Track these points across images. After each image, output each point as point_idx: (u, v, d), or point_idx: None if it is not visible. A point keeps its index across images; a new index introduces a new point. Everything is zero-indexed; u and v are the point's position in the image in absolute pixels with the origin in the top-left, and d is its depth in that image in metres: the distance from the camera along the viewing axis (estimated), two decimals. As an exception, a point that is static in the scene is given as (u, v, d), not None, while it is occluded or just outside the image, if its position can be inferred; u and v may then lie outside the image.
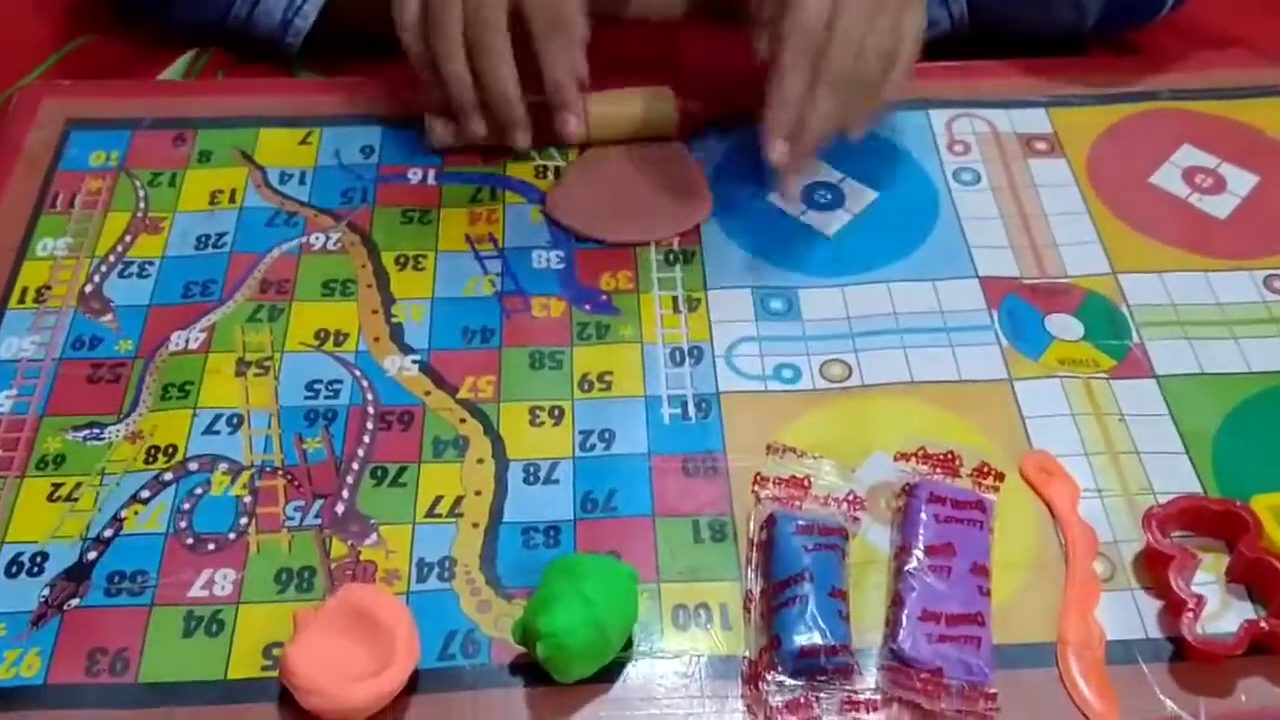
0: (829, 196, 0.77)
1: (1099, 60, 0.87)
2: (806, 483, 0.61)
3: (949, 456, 0.62)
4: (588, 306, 0.71)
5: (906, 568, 0.57)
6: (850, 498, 0.61)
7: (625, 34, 0.88)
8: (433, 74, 0.73)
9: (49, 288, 0.71)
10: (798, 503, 0.61)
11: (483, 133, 0.74)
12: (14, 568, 0.60)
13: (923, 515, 0.59)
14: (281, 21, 0.86)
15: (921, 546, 0.58)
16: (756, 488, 0.61)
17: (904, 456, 0.62)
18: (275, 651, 0.57)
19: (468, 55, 0.71)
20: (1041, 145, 0.80)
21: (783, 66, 0.67)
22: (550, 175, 0.78)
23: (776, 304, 0.72)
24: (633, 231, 0.75)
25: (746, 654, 0.56)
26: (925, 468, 0.62)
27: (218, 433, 0.65)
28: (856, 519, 0.61)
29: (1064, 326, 0.70)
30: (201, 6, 0.85)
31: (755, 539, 0.60)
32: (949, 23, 0.87)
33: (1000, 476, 0.62)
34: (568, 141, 0.77)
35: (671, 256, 0.74)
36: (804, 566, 0.57)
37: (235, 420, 0.65)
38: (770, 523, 0.59)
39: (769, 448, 0.63)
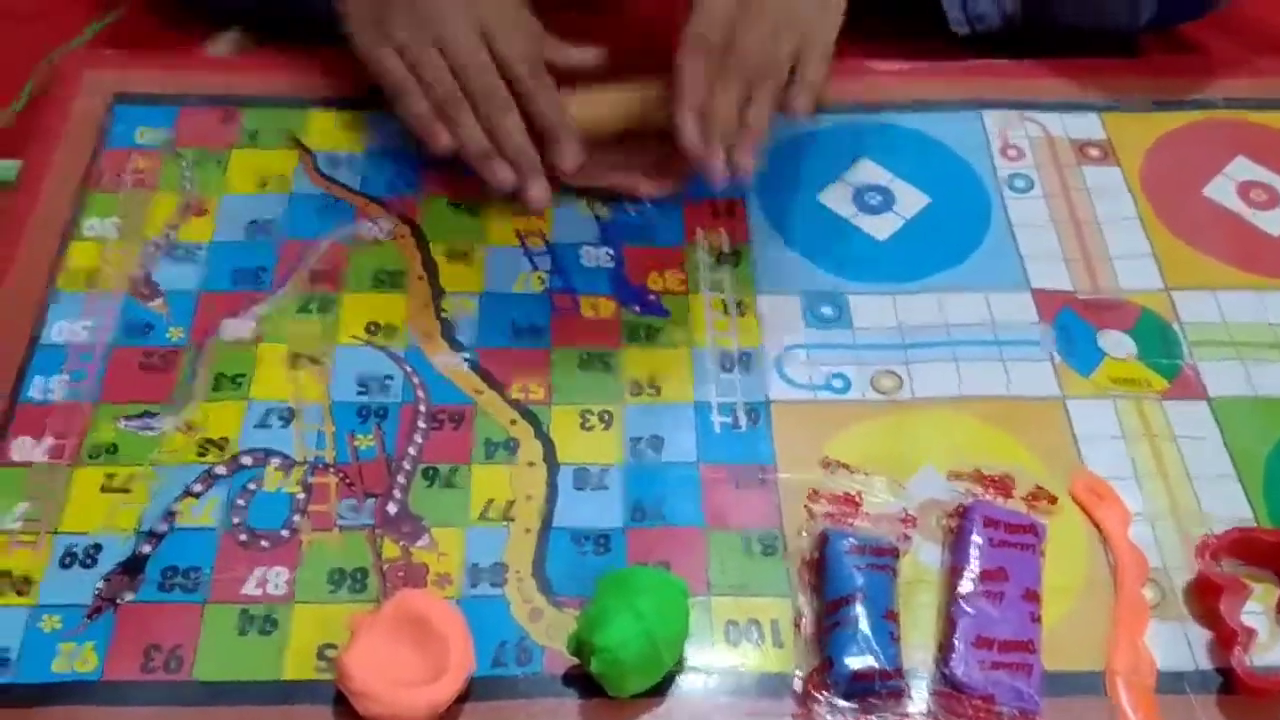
0: (879, 199, 0.77)
1: (1153, 63, 0.86)
2: (858, 499, 0.61)
3: (1003, 479, 0.62)
4: (637, 308, 0.71)
5: (959, 591, 0.58)
6: (902, 515, 0.61)
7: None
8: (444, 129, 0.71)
9: (98, 270, 0.71)
10: (850, 520, 0.61)
11: (512, 179, 0.70)
12: (68, 559, 0.60)
13: (976, 539, 0.59)
14: None
15: (974, 571, 0.58)
16: (809, 503, 0.61)
17: (957, 476, 0.62)
18: (329, 653, 0.57)
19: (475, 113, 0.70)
20: (1095, 152, 0.80)
21: (680, 62, 0.67)
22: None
23: (827, 310, 0.71)
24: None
25: (798, 673, 0.57)
26: (979, 488, 0.62)
27: (269, 426, 0.65)
28: (908, 537, 0.61)
29: (1117, 344, 0.70)
30: None
31: (807, 556, 0.60)
32: (1000, 18, 0.85)
33: (1053, 500, 0.62)
34: (567, 172, 0.72)
35: (721, 256, 0.74)
36: (857, 587, 0.57)
37: (287, 414, 0.65)
38: (823, 541, 0.59)
39: (822, 463, 0.63)
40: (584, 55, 0.75)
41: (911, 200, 0.77)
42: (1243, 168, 0.79)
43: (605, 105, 0.73)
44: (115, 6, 0.88)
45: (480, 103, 0.70)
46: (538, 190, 0.70)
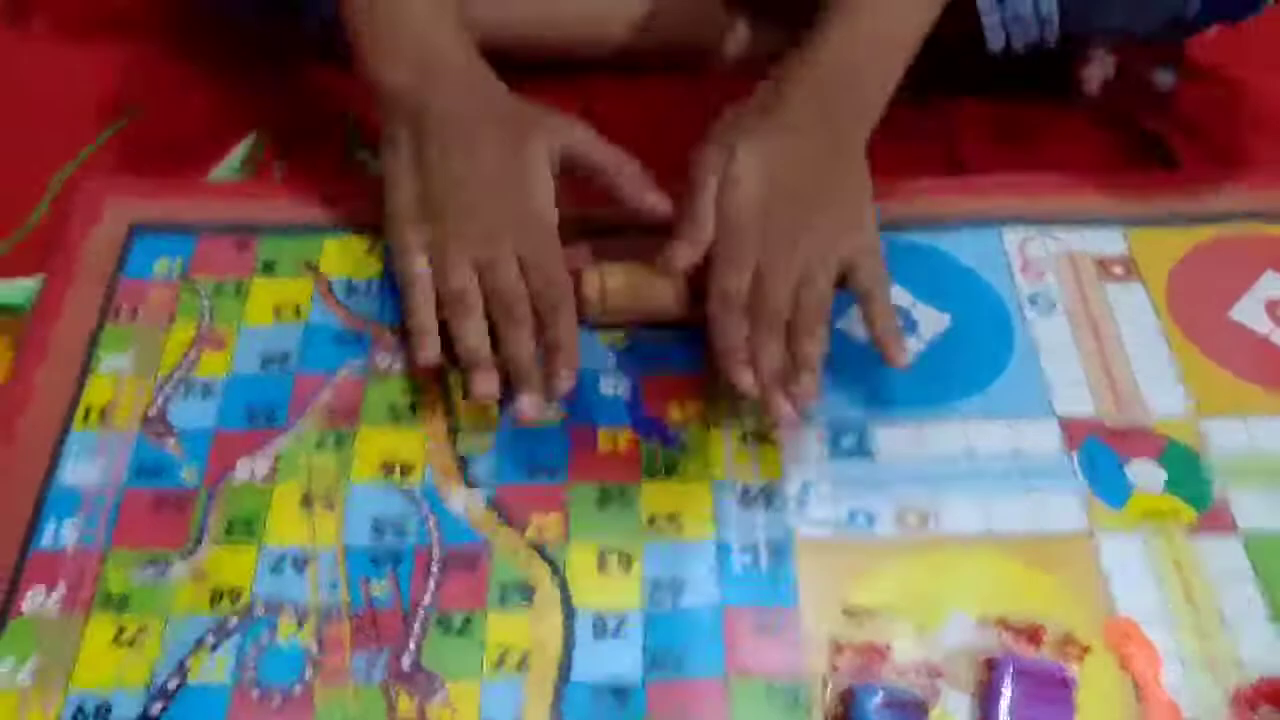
0: (900, 322, 0.76)
1: (1175, 177, 0.85)
2: (885, 650, 0.60)
3: (1033, 627, 0.61)
4: (656, 439, 0.70)
5: (990, 752, 0.56)
6: (930, 666, 0.60)
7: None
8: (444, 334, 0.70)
9: (113, 408, 0.71)
10: (876, 671, 0.59)
11: (495, 393, 0.69)
12: (79, 718, 0.59)
13: (1007, 692, 0.58)
14: None
15: (1005, 728, 0.57)
16: (833, 654, 0.60)
17: (988, 625, 0.61)
18: (343, 821, 0.56)
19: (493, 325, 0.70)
20: (1118, 270, 0.79)
21: (711, 317, 0.69)
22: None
23: (848, 441, 0.70)
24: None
25: (824, 840, 0.55)
26: (1009, 637, 0.60)
27: (282, 573, 0.64)
28: (936, 690, 0.59)
29: (1146, 475, 0.68)
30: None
31: (831, 713, 0.59)
32: (1036, 23, 0.82)
33: (1085, 649, 0.60)
34: (556, 396, 0.69)
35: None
36: (884, 748, 0.56)
37: (301, 560, 0.65)
38: (848, 697, 0.58)
39: (847, 611, 0.61)
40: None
41: (932, 322, 0.76)
42: (1271, 284, 0.78)
43: (633, 290, 0.74)
44: (124, 114, 0.89)
45: (499, 311, 0.69)
46: (529, 402, 0.68)
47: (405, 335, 0.72)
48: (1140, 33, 0.83)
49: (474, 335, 0.69)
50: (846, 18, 0.72)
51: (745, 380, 0.67)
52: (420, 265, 0.71)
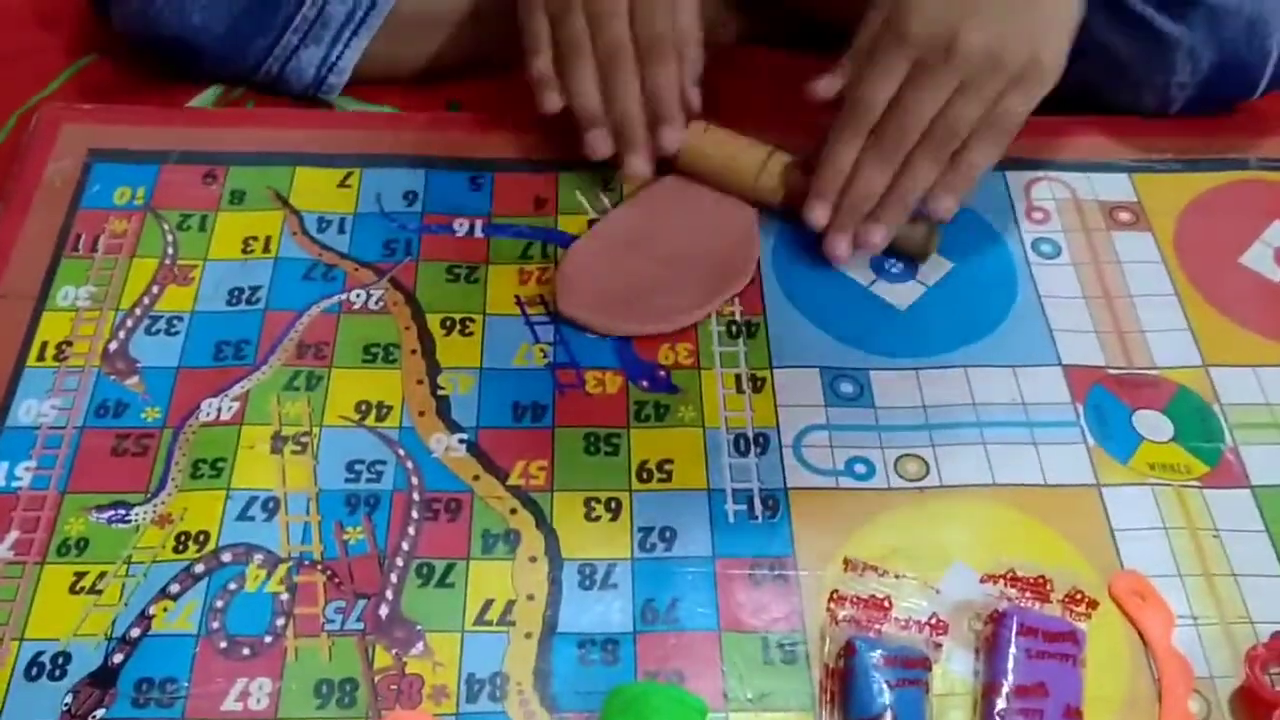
0: (900, 266, 0.73)
1: (1184, 122, 0.81)
2: (887, 603, 0.57)
3: (1039, 581, 0.58)
4: (645, 383, 0.67)
5: (996, 710, 0.54)
6: (932, 620, 0.57)
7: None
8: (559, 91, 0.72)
9: (70, 343, 0.67)
10: (877, 626, 0.57)
11: (607, 151, 0.72)
12: (34, 669, 0.55)
13: (1012, 650, 0.55)
14: (315, 79, 0.81)
15: (1011, 686, 0.54)
16: (833, 606, 0.57)
17: (991, 578, 0.58)
18: (315, 777, 0.53)
19: (599, 74, 0.71)
20: (1125, 216, 0.76)
21: (834, 132, 0.69)
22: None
23: (847, 387, 0.67)
24: (642, 321, 0.69)
25: (823, 799, 0.53)
26: (1014, 591, 0.58)
27: (252, 518, 0.61)
28: (939, 645, 0.57)
29: (1153, 426, 0.66)
30: (229, 63, 0.80)
31: (831, 666, 0.56)
32: None
33: (1093, 604, 0.58)
34: (667, 151, 0.72)
35: (734, 328, 0.69)
36: (885, 706, 0.53)
37: (271, 504, 0.61)
38: (849, 651, 0.55)
39: (846, 562, 0.59)
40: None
41: (935, 267, 0.73)
42: (1279, 233, 0.75)
43: (726, 147, 0.74)
44: (89, 52, 0.84)
45: (603, 58, 0.70)
46: (638, 163, 0.71)
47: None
48: (1125, 110, 0.81)
49: (583, 84, 0.70)
50: None
51: (815, 215, 0.69)
52: (541, 24, 0.71)
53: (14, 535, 0.59)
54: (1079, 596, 0.58)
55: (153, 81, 0.82)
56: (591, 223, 0.74)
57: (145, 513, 0.60)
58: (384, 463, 0.63)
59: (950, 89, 0.66)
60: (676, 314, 0.69)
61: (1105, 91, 0.80)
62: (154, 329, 0.68)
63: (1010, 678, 0.54)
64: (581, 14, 0.70)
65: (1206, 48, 0.76)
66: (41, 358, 0.66)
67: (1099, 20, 0.77)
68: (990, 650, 0.56)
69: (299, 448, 0.63)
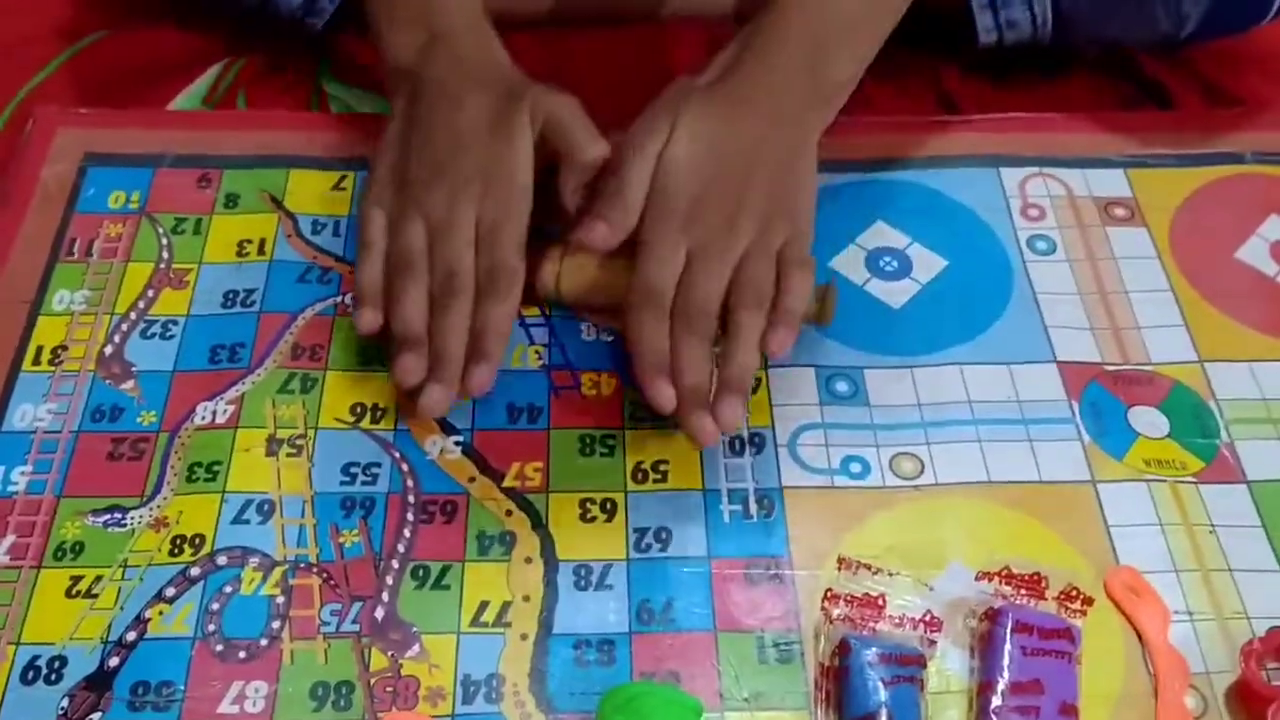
0: (895, 264, 0.73)
1: (1178, 116, 0.82)
2: (881, 601, 0.57)
3: (1035, 578, 0.58)
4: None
5: (992, 708, 0.54)
6: (927, 618, 0.57)
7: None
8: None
9: (65, 348, 0.67)
10: (871, 624, 0.57)
11: (415, 382, 0.62)
12: (30, 673, 0.55)
13: (1007, 647, 0.55)
14: (303, 3, 0.80)
15: (1006, 683, 0.54)
16: (828, 605, 0.57)
17: (986, 575, 0.58)
18: (311, 779, 0.53)
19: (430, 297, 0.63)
20: (1120, 211, 0.76)
21: (633, 318, 0.62)
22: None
23: (841, 386, 0.67)
24: None
25: (819, 799, 0.53)
26: (1009, 589, 0.58)
27: (248, 522, 0.61)
28: (933, 642, 0.57)
29: (1148, 422, 0.66)
30: None
31: (826, 664, 0.56)
32: (1030, 25, 0.80)
33: (1089, 601, 0.57)
34: (472, 393, 0.62)
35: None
36: (880, 703, 0.53)
37: (267, 507, 0.61)
38: (843, 649, 0.55)
39: (840, 561, 0.59)
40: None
41: (928, 264, 0.73)
42: (1276, 228, 0.75)
43: (592, 277, 0.67)
44: (83, 28, 0.84)
45: (440, 280, 0.63)
46: (440, 399, 0.61)
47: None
48: (1135, 45, 0.79)
49: (410, 307, 0.62)
50: None
51: (662, 396, 0.60)
52: (376, 227, 0.65)
53: (10, 539, 0.60)
54: (1074, 593, 0.58)
55: (148, 66, 0.82)
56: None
57: (141, 516, 0.61)
58: (379, 465, 0.63)
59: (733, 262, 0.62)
60: None
61: (1118, 20, 0.78)
62: (149, 332, 0.68)
63: (1006, 675, 0.54)
64: (422, 223, 0.64)
65: None
66: (37, 362, 0.66)
67: None
68: (985, 647, 0.56)
69: (294, 450, 0.63)
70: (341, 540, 0.60)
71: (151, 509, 0.61)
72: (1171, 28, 0.78)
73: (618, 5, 0.86)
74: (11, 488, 0.61)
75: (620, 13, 0.86)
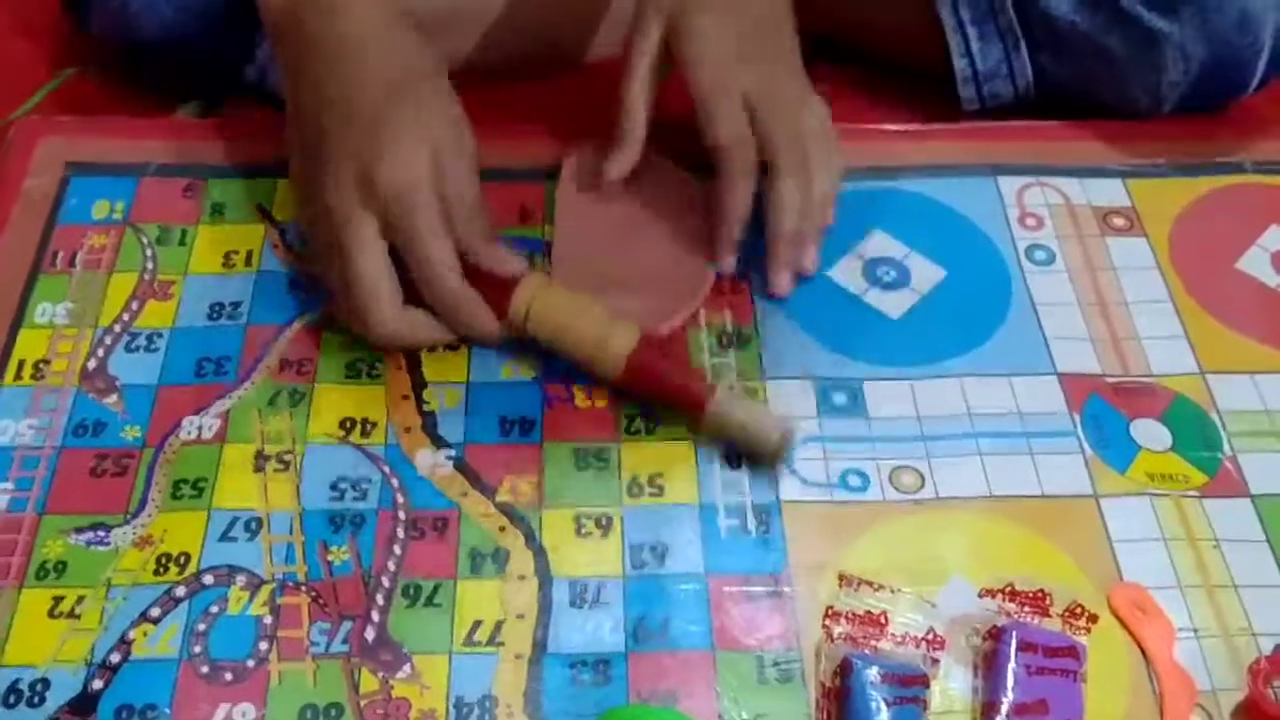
0: (894, 274, 0.72)
1: (1177, 125, 0.80)
2: (883, 619, 0.56)
3: (1039, 594, 0.57)
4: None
5: (996, 730, 0.53)
6: (930, 636, 0.56)
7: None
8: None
9: (48, 361, 0.65)
10: (873, 643, 0.55)
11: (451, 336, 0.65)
12: (12, 697, 0.54)
13: (1012, 666, 0.54)
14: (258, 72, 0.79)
15: (1011, 704, 0.53)
16: (828, 623, 0.56)
17: (989, 592, 0.57)
18: (300, 805, 0.52)
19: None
20: (1119, 221, 0.75)
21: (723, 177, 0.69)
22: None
23: (840, 398, 0.66)
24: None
25: (821, 823, 0.52)
26: (1013, 606, 0.57)
27: (234, 539, 0.59)
28: (936, 660, 0.56)
29: (1151, 434, 0.65)
30: (208, 65, 0.77)
31: (827, 684, 0.55)
32: (1013, 93, 0.80)
33: (1094, 618, 0.56)
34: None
35: (725, 339, 0.68)
36: (884, 724, 0.52)
37: (254, 524, 0.60)
38: (845, 668, 0.54)
39: (841, 578, 0.58)
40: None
41: (926, 274, 0.72)
42: (1277, 238, 0.74)
43: (559, 323, 0.65)
44: (69, 65, 0.82)
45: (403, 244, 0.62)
46: (476, 322, 0.64)
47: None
48: (1118, 110, 0.80)
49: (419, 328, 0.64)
50: None
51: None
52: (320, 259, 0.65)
53: (-9, 559, 0.58)
54: (1079, 610, 0.57)
55: (132, 97, 0.81)
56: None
57: (125, 534, 0.59)
58: (369, 480, 0.62)
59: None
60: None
61: (1097, 92, 0.79)
62: (133, 346, 0.66)
63: (1010, 695, 0.53)
64: (377, 239, 0.62)
65: (1197, 44, 0.75)
66: (19, 376, 0.65)
67: (1089, 20, 0.76)
68: (989, 667, 0.55)
69: (282, 466, 0.62)
70: (330, 558, 0.59)
71: (136, 527, 0.59)
72: (1151, 104, 0.78)
73: (562, 48, 0.85)
74: (-8, 506, 0.60)
75: (565, 56, 0.85)
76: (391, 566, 0.59)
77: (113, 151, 0.75)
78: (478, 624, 0.57)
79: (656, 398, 0.64)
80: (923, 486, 0.63)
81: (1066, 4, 0.77)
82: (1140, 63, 0.77)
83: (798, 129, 0.69)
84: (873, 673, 0.53)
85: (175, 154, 0.75)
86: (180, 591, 0.57)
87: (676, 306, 0.69)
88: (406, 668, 0.56)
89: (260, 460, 0.62)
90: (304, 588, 0.58)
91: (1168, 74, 0.76)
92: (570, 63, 0.85)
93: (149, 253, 0.70)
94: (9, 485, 0.61)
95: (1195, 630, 0.58)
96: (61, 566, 0.58)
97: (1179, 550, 0.61)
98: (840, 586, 0.57)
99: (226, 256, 0.70)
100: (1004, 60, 0.79)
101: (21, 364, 0.65)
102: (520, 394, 0.66)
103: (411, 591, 0.58)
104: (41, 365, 0.65)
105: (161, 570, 0.58)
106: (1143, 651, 0.57)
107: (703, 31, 0.67)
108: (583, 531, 0.61)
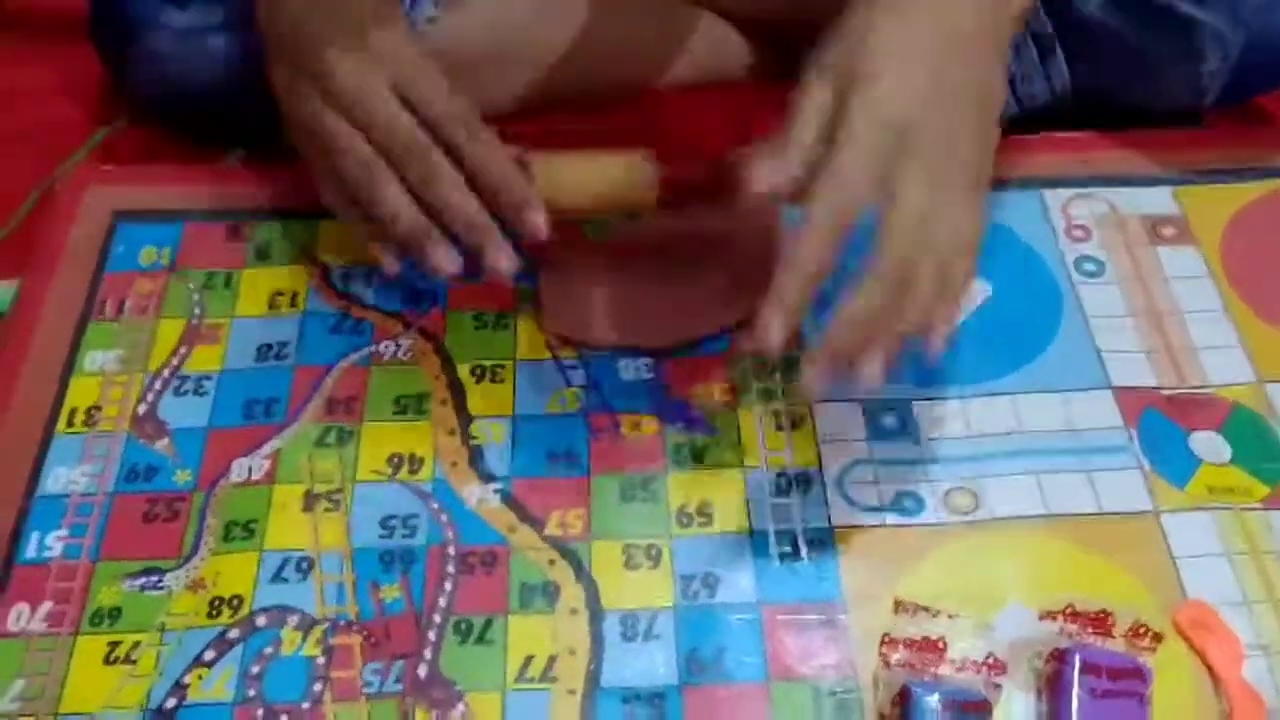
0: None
1: (1222, 132, 0.79)
2: (941, 644, 0.55)
3: (1101, 615, 0.56)
4: (681, 424, 0.65)
5: (1062, 756, 0.51)
6: (990, 661, 0.55)
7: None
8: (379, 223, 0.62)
9: (99, 408, 0.66)
10: (932, 669, 0.54)
11: (455, 265, 0.61)
12: (70, 744, 0.55)
13: (1076, 690, 0.53)
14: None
15: (1077, 728, 0.52)
16: (885, 650, 0.55)
17: (1050, 614, 0.56)
18: (358, 847, 0.51)
19: (415, 195, 0.61)
20: (1169, 230, 0.74)
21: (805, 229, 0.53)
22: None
23: (889, 420, 0.65)
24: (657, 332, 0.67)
25: None
26: (1075, 627, 0.55)
27: (286, 580, 0.59)
28: (997, 685, 0.54)
29: (1210, 447, 0.64)
30: (244, 116, 0.74)
31: (886, 713, 0.54)
32: (1049, 95, 0.79)
33: (1158, 637, 0.55)
34: (537, 238, 0.61)
35: (769, 363, 0.68)
36: (946, 753, 0.51)
37: (305, 565, 0.60)
38: (904, 697, 0.53)
39: (897, 603, 0.57)
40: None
41: (973, 291, 0.71)
42: (1330, 241, 0.73)
43: (573, 174, 0.64)
44: (114, 118, 0.84)
45: (407, 169, 0.60)
46: (505, 259, 0.59)
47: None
48: (1160, 114, 0.78)
49: (388, 201, 0.60)
50: None
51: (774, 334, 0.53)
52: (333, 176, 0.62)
53: (47, 606, 0.59)
54: (1143, 630, 0.55)
55: (176, 147, 0.81)
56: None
57: (178, 578, 0.59)
58: (417, 517, 0.62)
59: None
60: (683, 325, 0.67)
61: (1138, 92, 0.77)
62: (182, 390, 0.67)
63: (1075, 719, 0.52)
64: (333, 116, 0.60)
65: (1232, 28, 0.73)
66: (71, 424, 0.65)
67: (1121, 19, 0.75)
68: (1052, 691, 0.54)
69: (331, 505, 0.62)
70: (381, 596, 0.59)
71: (189, 570, 0.60)
72: (1192, 98, 0.76)
73: (611, 81, 0.83)
74: (47, 553, 0.60)
75: (613, 88, 0.83)
76: (442, 603, 0.59)
77: (158, 199, 0.76)
78: (529, 659, 0.57)
79: (700, 189, 0.63)
80: (977, 508, 0.62)
81: (1095, 4, 0.76)
82: (1177, 54, 0.75)
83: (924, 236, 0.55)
84: (933, 700, 0.52)
85: (219, 200, 0.76)
86: (234, 634, 0.58)
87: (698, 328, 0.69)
88: (460, 706, 0.55)
89: (310, 500, 0.62)
90: (356, 627, 0.58)
91: (1206, 63, 0.74)
92: (618, 96, 0.84)
93: (196, 297, 0.71)
94: (63, 532, 0.61)
95: (1263, 647, 0.57)
96: (116, 613, 0.58)
97: (1243, 565, 0.59)
98: (896, 612, 0.56)
99: (272, 299, 0.71)
100: (1038, 63, 0.78)
101: (74, 412, 0.66)
102: (566, 426, 0.65)
103: (463, 628, 0.58)
104: (93, 412, 0.66)
105: (215, 613, 0.58)
106: (1209, 670, 0.56)
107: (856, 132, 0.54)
108: (632, 563, 0.60)
